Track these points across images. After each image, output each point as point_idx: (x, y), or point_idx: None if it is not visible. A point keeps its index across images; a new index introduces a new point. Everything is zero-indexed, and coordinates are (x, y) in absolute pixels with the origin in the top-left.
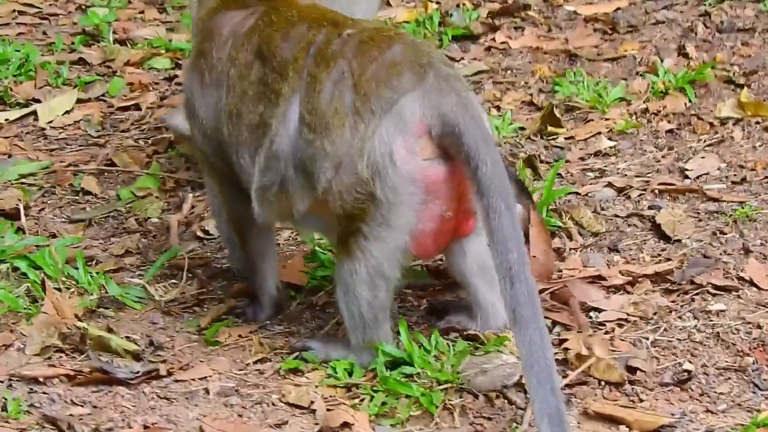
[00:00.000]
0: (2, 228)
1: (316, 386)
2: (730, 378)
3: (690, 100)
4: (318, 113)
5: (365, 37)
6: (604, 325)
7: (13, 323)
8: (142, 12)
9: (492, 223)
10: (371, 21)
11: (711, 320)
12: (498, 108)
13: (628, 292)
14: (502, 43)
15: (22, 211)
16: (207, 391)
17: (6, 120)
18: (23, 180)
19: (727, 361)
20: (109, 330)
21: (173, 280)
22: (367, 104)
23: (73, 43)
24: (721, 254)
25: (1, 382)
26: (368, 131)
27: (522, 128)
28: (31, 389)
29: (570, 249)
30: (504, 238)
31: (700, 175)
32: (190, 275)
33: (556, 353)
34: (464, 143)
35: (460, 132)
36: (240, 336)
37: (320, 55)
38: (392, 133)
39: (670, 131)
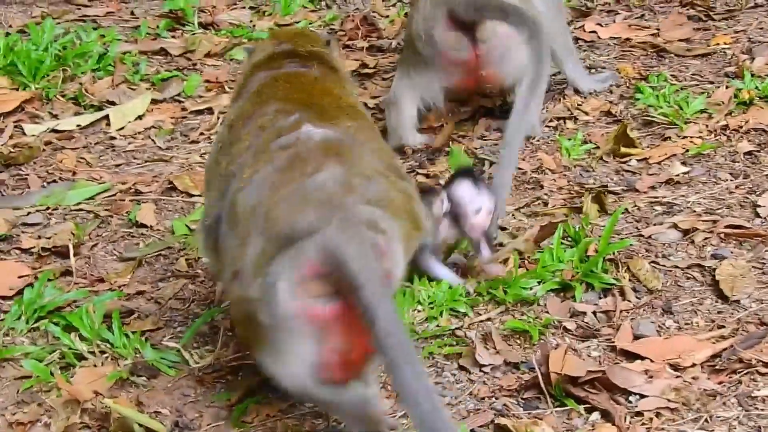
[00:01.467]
0: (45, 277)
1: None
2: None
3: None
4: (236, 211)
5: (306, 148)
6: (642, 414)
7: (46, 392)
8: None
9: (395, 379)
10: (354, 111)
11: (756, 408)
12: (575, 119)
13: (675, 369)
14: (590, 32)
15: (71, 252)
16: None
17: (78, 126)
18: (81, 205)
19: None
20: (139, 403)
21: (209, 346)
22: (271, 232)
23: (157, 27)
24: None
25: None
26: (266, 257)
27: (596, 147)
28: None
29: (621, 311)
30: (410, 393)
31: None
32: (229, 332)
33: None
34: (359, 297)
35: (355, 286)
36: (268, 415)
37: (258, 150)
38: (283, 268)
39: (749, 153)
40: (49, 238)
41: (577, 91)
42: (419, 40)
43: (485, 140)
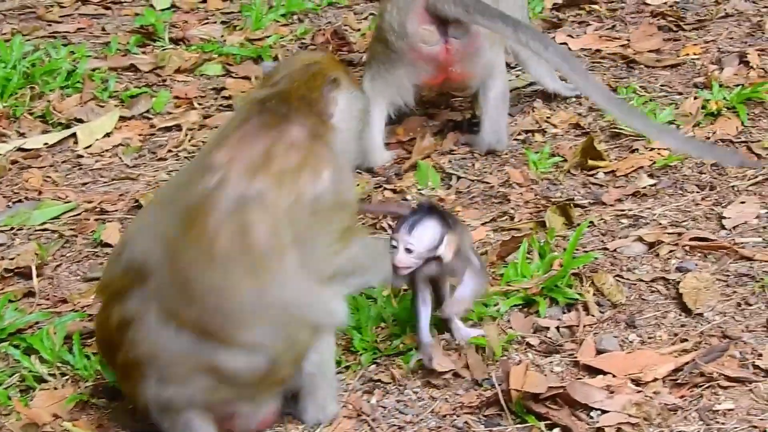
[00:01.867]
0: (6, 298)
1: None
2: None
3: (743, 123)
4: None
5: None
6: (603, 430)
7: (5, 415)
8: (204, 1)
9: None
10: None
11: (717, 421)
12: (543, 132)
13: (637, 384)
14: (561, 44)
15: (34, 273)
16: None
17: (45, 144)
18: (46, 225)
19: None
20: (99, 425)
21: None
22: None
23: (128, 43)
24: (742, 331)
25: None
26: None
27: (563, 160)
28: None
29: (585, 326)
30: None
31: (737, 225)
32: None
33: None
34: None
35: None
36: None
37: (187, 213)
38: None
39: (715, 165)
40: (12, 258)
41: (548, 98)
42: (391, 33)
43: (453, 154)
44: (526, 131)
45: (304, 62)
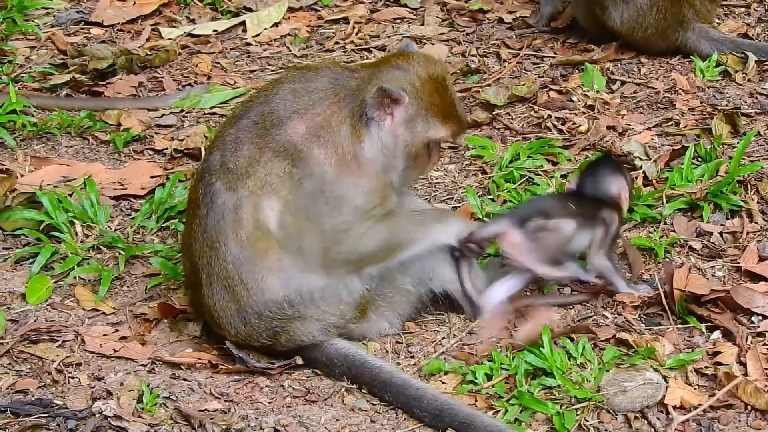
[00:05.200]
0: (176, 177)
1: (454, 391)
2: None
3: None
4: None
5: None
6: (764, 335)
7: (173, 290)
8: None
9: None
10: None
11: None
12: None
13: None
14: None
15: (203, 153)
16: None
17: (214, 31)
18: (215, 109)
19: None
20: None
21: None
22: None
23: None
24: None
25: (144, 366)
26: None
27: (727, 72)
28: (174, 375)
29: (748, 233)
30: None
31: None
32: None
33: (706, 366)
34: None
35: None
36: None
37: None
38: None
39: None
40: (182, 139)
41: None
42: None
43: (620, 60)
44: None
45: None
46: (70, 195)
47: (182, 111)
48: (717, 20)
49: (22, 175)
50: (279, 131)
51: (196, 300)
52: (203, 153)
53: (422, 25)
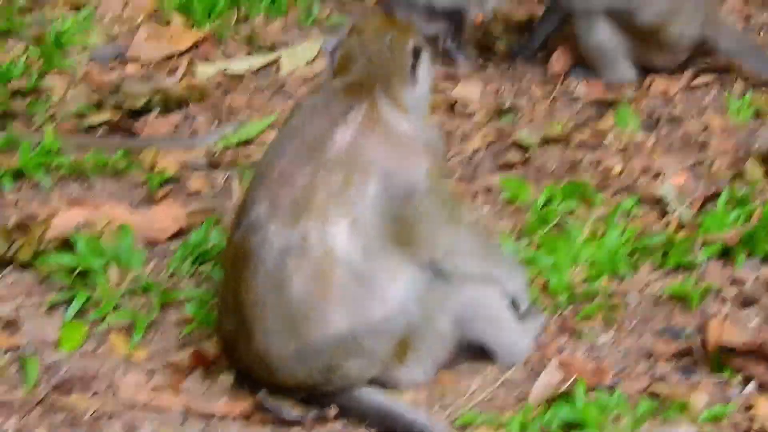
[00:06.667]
0: (211, 220)
1: None
2: None
3: None
4: None
5: None
6: None
7: (207, 337)
8: None
9: None
10: None
11: None
12: (746, 79)
13: None
14: None
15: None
16: None
17: (249, 68)
18: (250, 146)
19: None
20: None
21: None
22: None
23: None
24: None
25: (177, 416)
26: None
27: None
28: (207, 425)
29: None
30: None
31: None
32: None
33: (742, 420)
34: None
35: None
36: None
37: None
38: None
39: None
40: (216, 181)
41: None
42: None
43: (654, 99)
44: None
45: (375, 36)
46: (101, 237)
47: (216, 152)
48: None
49: (56, 218)
50: (325, 149)
51: (239, 351)
52: (240, 204)
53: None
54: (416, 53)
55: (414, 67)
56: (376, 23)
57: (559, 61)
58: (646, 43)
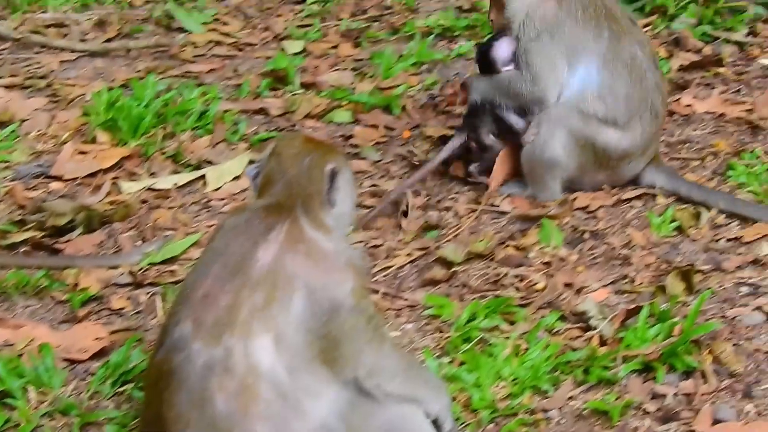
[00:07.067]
0: (133, 339)
1: None
2: None
3: None
4: None
5: None
6: None
7: None
8: (335, 47)
9: None
10: None
11: None
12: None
13: None
14: (686, 106)
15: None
16: None
17: (174, 185)
18: (174, 265)
19: None
20: None
21: None
22: None
23: (259, 86)
24: None
25: None
26: None
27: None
28: None
29: (702, 394)
30: None
31: None
32: None
33: None
34: None
35: None
36: None
37: None
38: None
39: None
40: (139, 299)
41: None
42: None
43: (575, 213)
44: (646, 194)
45: (294, 159)
46: (20, 356)
47: (141, 269)
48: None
49: None
50: (248, 267)
51: None
52: (163, 323)
53: (383, 177)
54: (333, 176)
55: (330, 190)
56: (297, 145)
57: (495, 177)
58: (596, 169)
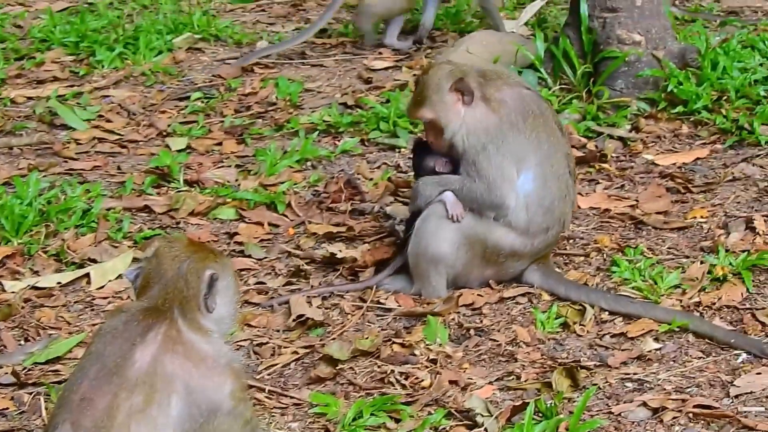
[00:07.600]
0: None
1: None
2: None
3: (748, 290)
4: None
5: None
6: None
7: None
8: (219, 143)
9: None
10: None
11: None
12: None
13: None
14: None
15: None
16: None
17: (58, 284)
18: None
19: None
20: None
21: None
22: None
23: (143, 184)
24: None
25: None
26: None
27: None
28: None
29: None
30: None
31: (742, 394)
32: None
33: None
34: None
35: None
36: None
37: None
38: None
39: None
40: (23, 398)
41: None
42: None
43: (461, 310)
44: (530, 293)
45: (172, 262)
46: None
47: (24, 369)
48: (557, 269)
49: None
50: (126, 369)
51: None
52: (44, 428)
53: (268, 275)
54: (211, 281)
55: (208, 295)
56: (178, 248)
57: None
58: (483, 264)
